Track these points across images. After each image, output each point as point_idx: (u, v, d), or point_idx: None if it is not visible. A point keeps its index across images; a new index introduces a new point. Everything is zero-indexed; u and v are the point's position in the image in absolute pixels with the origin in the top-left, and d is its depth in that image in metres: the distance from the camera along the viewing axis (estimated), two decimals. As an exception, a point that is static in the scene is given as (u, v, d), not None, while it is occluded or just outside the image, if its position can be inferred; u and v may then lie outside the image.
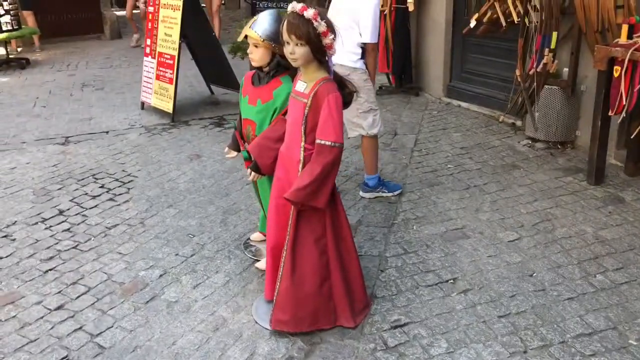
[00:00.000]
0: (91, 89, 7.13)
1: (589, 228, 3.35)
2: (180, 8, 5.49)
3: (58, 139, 5.31)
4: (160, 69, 5.82)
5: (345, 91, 2.50)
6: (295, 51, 2.37)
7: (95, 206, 3.88)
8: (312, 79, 2.46)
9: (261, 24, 2.76)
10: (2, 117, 6.02)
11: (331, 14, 3.46)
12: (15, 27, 8.21)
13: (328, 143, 2.38)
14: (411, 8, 5.87)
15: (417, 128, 5.29)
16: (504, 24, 4.82)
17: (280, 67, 2.83)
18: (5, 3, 8.09)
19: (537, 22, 4.45)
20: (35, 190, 4.18)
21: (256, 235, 3.37)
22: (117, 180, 4.33)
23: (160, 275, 3.03)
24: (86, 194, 4.10)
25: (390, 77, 6.41)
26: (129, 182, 4.29)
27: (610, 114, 3.67)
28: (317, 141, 2.40)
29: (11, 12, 8.15)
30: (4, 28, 8.11)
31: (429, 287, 2.84)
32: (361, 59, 3.64)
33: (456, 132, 5.13)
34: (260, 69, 2.85)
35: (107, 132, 5.46)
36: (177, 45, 5.57)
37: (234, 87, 6.15)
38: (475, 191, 3.92)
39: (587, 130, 4.15)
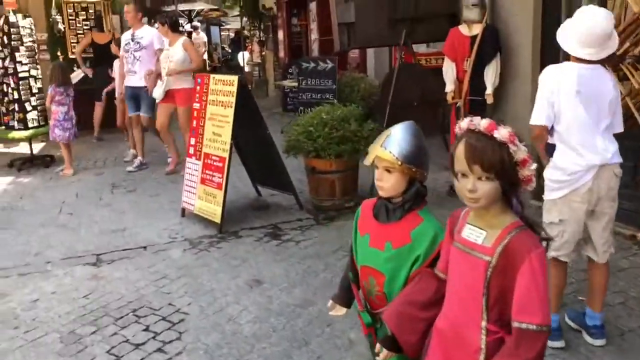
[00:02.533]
0: (122, 191, 6.41)
1: None
2: (233, 105, 4.83)
3: (88, 257, 4.51)
4: (207, 172, 5.09)
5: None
6: (477, 188, 1.58)
7: (141, 361, 3.01)
8: (494, 225, 1.65)
9: (396, 142, 1.99)
10: (24, 228, 5.27)
11: (570, 102, 2.76)
12: (41, 124, 7.65)
13: (532, 327, 1.54)
14: (490, 100, 5.19)
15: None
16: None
17: (418, 198, 2.05)
18: (33, 99, 7.57)
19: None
20: (63, 335, 3.32)
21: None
22: (164, 319, 3.46)
23: None
24: (127, 340, 3.24)
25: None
26: (179, 321, 3.43)
27: None
28: (516, 324, 1.56)
29: (38, 107, 7.62)
30: (30, 125, 7.55)
31: None
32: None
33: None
34: (389, 199, 2.06)
35: (144, 248, 4.66)
36: (228, 147, 4.87)
37: (287, 190, 5.40)
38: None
39: None
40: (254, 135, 5.20)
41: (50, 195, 6.32)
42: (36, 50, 7.96)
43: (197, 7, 22.27)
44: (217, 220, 4.90)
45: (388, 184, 2.00)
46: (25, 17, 7.84)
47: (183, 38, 6.94)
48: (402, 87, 5.56)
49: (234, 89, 4.84)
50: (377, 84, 8.00)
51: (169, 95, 6.76)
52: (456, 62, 5.33)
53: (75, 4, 9.94)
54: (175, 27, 6.91)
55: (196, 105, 5.31)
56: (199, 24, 22.13)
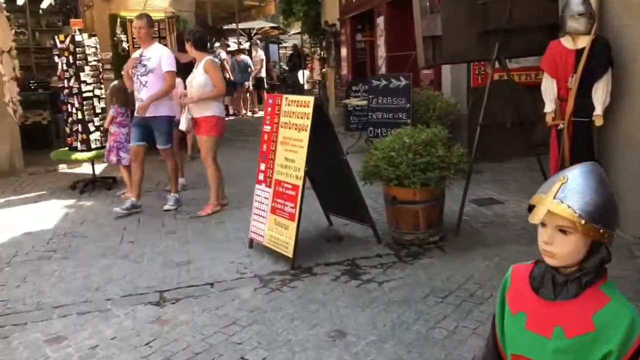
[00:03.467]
0: (185, 217, 6.06)
1: None
2: (308, 128, 4.38)
3: (151, 294, 4.12)
4: (278, 200, 4.65)
5: None
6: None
7: None
8: None
9: (577, 192, 1.43)
10: (85, 258, 4.95)
11: None
12: (104, 145, 7.45)
13: None
14: (599, 122, 4.54)
15: (633, 285, 3.77)
16: None
17: (601, 268, 1.50)
18: (96, 119, 7.39)
19: None
20: (124, 396, 2.91)
21: None
22: (236, 378, 3.01)
23: None
24: (196, 406, 2.79)
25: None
26: (253, 382, 2.96)
27: None
28: None
29: (101, 128, 7.43)
30: (93, 146, 7.36)
31: None
32: None
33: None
34: (557, 268, 1.52)
35: (211, 285, 4.23)
36: (301, 174, 4.41)
37: (364, 221, 4.90)
38: None
39: None
40: (329, 161, 4.73)
41: (112, 222, 6.03)
42: (100, 70, 7.80)
43: (257, 25, 22.28)
44: (290, 254, 4.44)
45: (563, 250, 1.45)
46: (90, 36, 7.71)
47: (206, 58, 5.97)
48: (494, 107, 4.98)
49: (310, 110, 4.39)
50: (454, 102, 7.44)
51: (196, 124, 5.96)
52: (557, 79, 4.72)
53: (140, 23, 9.82)
54: (199, 45, 5.97)
55: (267, 128, 4.88)
56: (258, 42, 22.12)
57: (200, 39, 6.03)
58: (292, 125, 4.58)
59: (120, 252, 5.06)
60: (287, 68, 21.80)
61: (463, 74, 7.46)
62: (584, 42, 4.55)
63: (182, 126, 6.06)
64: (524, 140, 5.14)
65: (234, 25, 18.96)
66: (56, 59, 7.59)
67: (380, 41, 10.19)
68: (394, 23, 9.69)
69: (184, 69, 8.94)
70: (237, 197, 6.74)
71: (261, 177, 4.93)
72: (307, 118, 4.41)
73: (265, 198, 4.82)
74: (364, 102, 8.58)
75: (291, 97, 4.67)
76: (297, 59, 20.61)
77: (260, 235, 4.82)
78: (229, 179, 7.91)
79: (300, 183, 4.43)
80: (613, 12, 4.66)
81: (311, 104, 4.40)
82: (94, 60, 7.52)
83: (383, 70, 10.19)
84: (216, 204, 6.09)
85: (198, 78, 5.90)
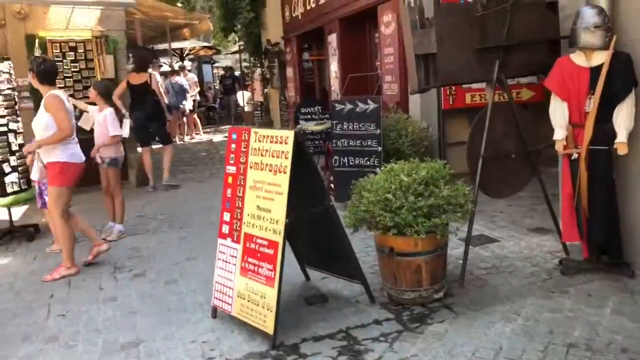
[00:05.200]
0: (128, 276, 5.01)
1: None
2: (288, 170, 3.51)
3: (91, 400, 3.10)
4: (250, 260, 3.73)
5: None
6: None
7: None
8: None
9: None
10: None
11: None
12: (23, 188, 6.27)
13: None
14: (623, 151, 3.91)
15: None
16: None
17: None
18: (12, 158, 6.20)
19: None
20: None
21: None
22: None
23: None
24: None
25: (582, 246, 4.31)
26: None
27: None
28: None
29: (19, 168, 6.25)
30: (8, 190, 6.16)
31: None
32: None
33: None
34: None
35: (171, 379, 3.26)
36: (281, 227, 3.51)
37: (353, 277, 4.07)
38: None
39: None
40: (311, 208, 3.86)
41: (35, 285, 4.90)
42: (16, 99, 6.62)
43: (189, 45, 21.20)
44: (269, 330, 3.51)
45: None
46: (3, 59, 6.53)
47: (48, 93, 5.04)
48: (496, 134, 4.29)
49: (289, 148, 3.52)
50: (426, 126, 6.76)
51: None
52: (569, 101, 4.08)
53: (62, 44, 8.66)
54: (42, 77, 5.09)
55: (231, 169, 3.96)
56: (187, 64, 20.99)
57: (44, 71, 5.11)
58: (265, 166, 3.69)
59: (47, 332, 3.97)
60: (221, 90, 20.76)
61: (432, 94, 6.80)
62: (599, 58, 3.93)
63: (34, 175, 5.36)
64: (530, 171, 4.47)
65: (165, 45, 17.81)
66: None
67: (333, 60, 9.45)
68: (348, 41, 8.99)
69: (136, 92, 8.17)
70: (188, 245, 5.77)
71: (225, 229, 3.98)
72: (286, 157, 3.53)
73: (232, 256, 3.88)
74: (322, 127, 7.78)
75: (262, 131, 3.78)
76: (230, 81, 19.64)
77: (227, 303, 3.87)
78: (174, 218, 6.91)
79: (279, 239, 3.53)
80: (627, 23, 4.08)
81: (290, 140, 3.53)
82: (8, 89, 6.35)
83: (336, 91, 9.45)
84: (70, 266, 5.09)
85: (39, 119, 5.05)
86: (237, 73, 20.01)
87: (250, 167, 3.80)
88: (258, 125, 14.26)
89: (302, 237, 4.22)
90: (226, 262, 3.93)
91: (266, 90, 14.64)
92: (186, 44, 20.81)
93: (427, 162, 4.09)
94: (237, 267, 3.82)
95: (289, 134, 3.55)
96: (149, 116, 8.51)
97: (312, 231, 4.08)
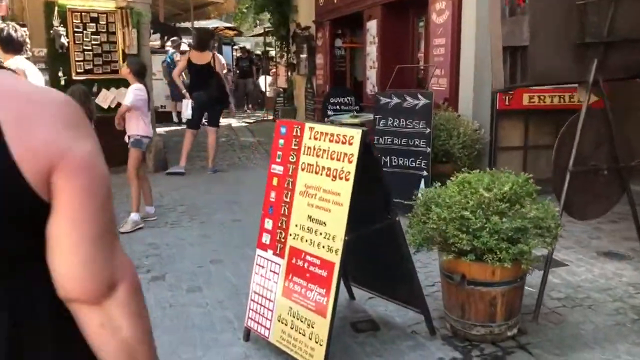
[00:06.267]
0: (146, 278, 4.42)
1: None
2: (351, 177, 2.90)
3: None
4: (296, 280, 3.13)
5: None
6: None
7: None
8: None
9: None
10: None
11: None
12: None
13: None
14: None
15: None
16: None
17: None
18: None
19: None
20: None
21: None
22: None
23: None
24: None
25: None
26: None
27: None
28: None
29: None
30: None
31: None
32: None
33: None
34: None
35: None
36: (339, 245, 2.91)
37: (412, 304, 3.46)
38: None
39: None
40: (372, 222, 3.25)
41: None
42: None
43: (212, 24, 20.54)
44: (317, 366, 2.93)
45: None
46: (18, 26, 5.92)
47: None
48: (588, 146, 3.65)
49: (355, 150, 2.91)
50: (478, 127, 6.13)
51: None
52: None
53: (84, 14, 8.06)
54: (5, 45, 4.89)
55: (277, 169, 3.35)
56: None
57: (5, 39, 4.86)
58: (321, 169, 3.07)
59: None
60: (237, 72, 20.10)
61: (487, 92, 6.15)
62: None
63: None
64: (620, 191, 3.84)
65: (188, 24, 17.19)
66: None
67: (371, 49, 8.79)
68: (390, 28, 8.33)
69: (196, 73, 7.77)
70: (211, 245, 5.20)
71: (266, 239, 3.38)
72: (350, 161, 2.92)
73: (273, 272, 3.29)
74: (358, 121, 7.17)
75: (320, 127, 3.16)
76: (247, 63, 18.97)
77: (264, 327, 3.28)
78: (195, 211, 6.34)
79: (336, 259, 2.93)
80: None
81: (356, 140, 2.91)
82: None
83: (372, 82, 8.81)
84: None
85: None
86: (256, 53, 19.34)
87: (302, 169, 3.19)
88: (281, 112, 13.61)
89: (355, 252, 3.61)
90: (265, 277, 3.34)
91: (291, 76, 14.00)
92: (209, 23, 20.17)
93: (506, 173, 3.47)
94: (279, 287, 3.23)
95: (355, 133, 2.93)
96: (212, 100, 7.96)
97: (369, 247, 3.46)
